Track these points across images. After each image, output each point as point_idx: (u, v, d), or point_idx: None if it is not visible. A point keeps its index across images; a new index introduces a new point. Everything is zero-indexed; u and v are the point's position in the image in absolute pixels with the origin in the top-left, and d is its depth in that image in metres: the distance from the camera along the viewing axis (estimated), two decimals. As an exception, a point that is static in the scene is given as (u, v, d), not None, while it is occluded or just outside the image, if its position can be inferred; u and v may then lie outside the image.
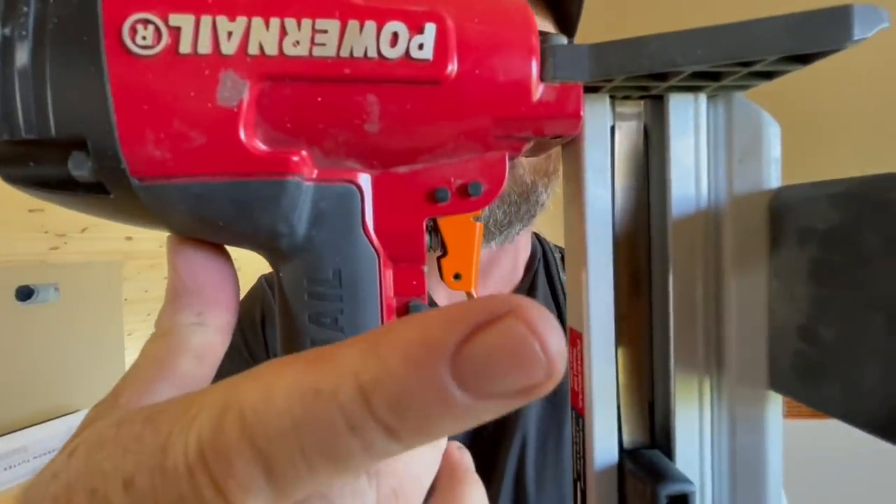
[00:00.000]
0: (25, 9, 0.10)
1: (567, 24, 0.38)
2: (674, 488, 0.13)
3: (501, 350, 0.06)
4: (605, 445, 0.15)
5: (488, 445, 0.36)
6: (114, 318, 2.62)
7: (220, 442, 0.07)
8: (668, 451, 0.15)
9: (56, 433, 2.09)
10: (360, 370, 0.06)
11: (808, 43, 0.12)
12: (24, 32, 0.10)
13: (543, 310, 0.07)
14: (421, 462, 0.12)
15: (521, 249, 0.44)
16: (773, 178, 0.15)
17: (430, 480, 0.12)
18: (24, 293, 2.21)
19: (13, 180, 0.12)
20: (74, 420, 2.27)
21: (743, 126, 0.15)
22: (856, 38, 0.11)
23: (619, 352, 0.16)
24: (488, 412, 0.07)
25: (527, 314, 0.06)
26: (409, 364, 0.06)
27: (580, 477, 0.15)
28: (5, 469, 1.77)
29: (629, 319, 0.16)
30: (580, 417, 0.15)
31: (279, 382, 0.07)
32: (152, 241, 2.74)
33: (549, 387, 0.06)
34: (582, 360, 0.15)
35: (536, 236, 0.48)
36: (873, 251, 0.11)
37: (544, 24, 0.37)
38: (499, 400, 0.06)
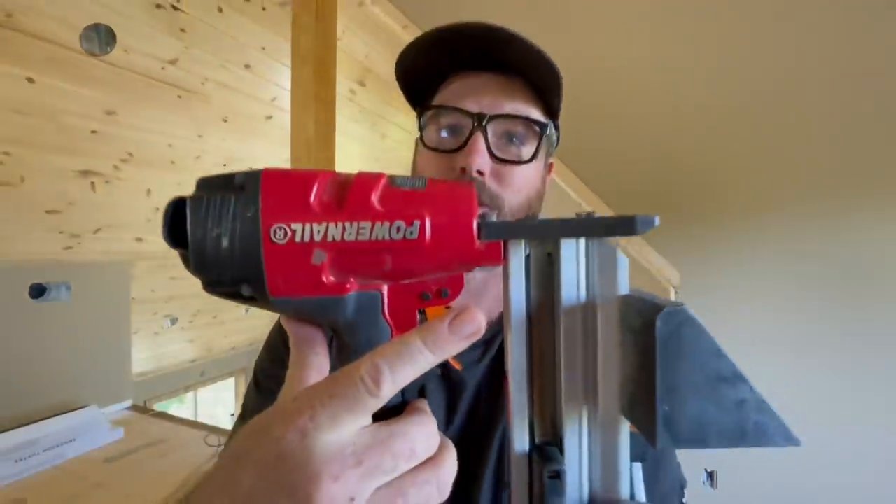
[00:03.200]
0: (226, 222, 0.22)
1: (551, 111, 0.50)
2: (551, 467, 0.24)
3: (464, 320, 0.21)
4: (520, 441, 0.26)
5: (475, 440, 0.47)
6: (122, 316, 2.70)
7: (381, 363, 0.20)
8: (561, 448, 0.25)
9: (66, 427, 2.18)
10: (423, 335, 0.21)
11: (614, 231, 0.22)
12: (224, 232, 0.22)
13: (475, 308, 0.22)
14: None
15: None
16: (623, 288, 0.24)
17: None
18: (38, 291, 2.28)
19: (212, 292, 0.24)
20: (83, 415, 2.29)
21: (605, 257, 0.24)
22: (638, 233, 0.21)
23: (535, 388, 0.26)
24: (462, 345, 0.21)
25: (472, 309, 0.22)
26: (438, 328, 0.21)
27: (508, 461, 0.26)
28: (16, 461, 1.89)
29: (539, 376, 0.26)
30: (508, 426, 0.26)
31: (400, 339, 0.21)
32: (161, 243, 2.81)
33: (481, 333, 0.22)
34: (509, 392, 0.26)
35: None
36: (646, 346, 0.21)
37: (535, 112, 0.49)
38: (464, 339, 0.21)
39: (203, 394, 4.19)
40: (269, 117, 2.79)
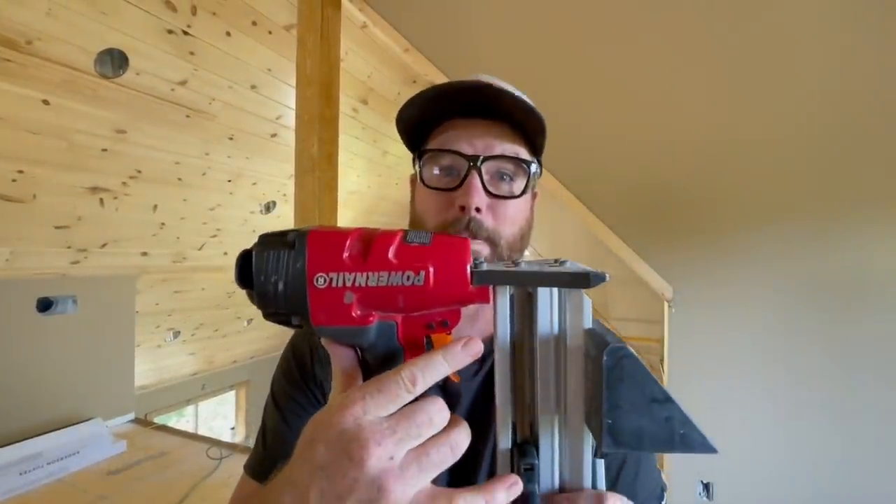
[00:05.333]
0: (281, 270, 0.29)
1: (535, 149, 0.56)
2: (527, 462, 0.30)
3: (471, 344, 0.30)
4: (504, 440, 0.32)
5: (479, 427, 0.53)
6: (126, 329, 2.73)
7: (415, 370, 0.28)
8: (536, 447, 0.32)
9: (70, 440, 2.17)
10: (443, 352, 0.29)
11: (575, 284, 0.28)
12: (280, 277, 0.29)
13: (478, 338, 0.30)
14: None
15: None
16: (587, 323, 0.31)
17: None
18: (44, 304, 2.32)
19: (269, 320, 0.31)
20: (87, 428, 2.28)
21: (573, 299, 0.31)
22: (591, 286, 0.28)
23: (517, 399, 0.33)
24: (468, 360, 0.30)
25: (477, 339, 0.30)
26: (454, 348, 0.29)
27: (493, 455, 0.33)
28: (20, 474, 1.89)
29: (520, 390, 0.33)
30: (494, 430, 0.33)
31: (427, 355, 0.29)
32: (166, 256, 2.78)
33: (481, 354, 0.30)
34: (496, 405, 0.32)
35: None
36: (597, 373, 0.28)
37: (523, 151, 0.54)
38: (470, 356, 0.30)
39: (203, 406, 4.21)
40: (274, 135, 2.87)
